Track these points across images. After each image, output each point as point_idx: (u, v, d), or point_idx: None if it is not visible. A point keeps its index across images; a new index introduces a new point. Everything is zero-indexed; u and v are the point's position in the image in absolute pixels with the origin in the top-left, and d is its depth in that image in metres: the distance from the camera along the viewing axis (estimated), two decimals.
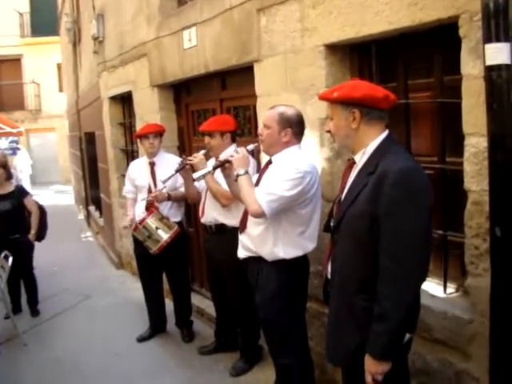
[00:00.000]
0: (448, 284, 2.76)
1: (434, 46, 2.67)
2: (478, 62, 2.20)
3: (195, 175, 3.24)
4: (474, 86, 2.27)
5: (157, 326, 4.88)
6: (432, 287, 2.78)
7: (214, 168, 3.19)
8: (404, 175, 1.93)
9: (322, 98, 2.28)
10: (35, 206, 5.77)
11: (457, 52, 2.36)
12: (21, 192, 5.71)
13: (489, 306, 2.16)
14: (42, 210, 5.87)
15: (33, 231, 5.62)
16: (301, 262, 3.02)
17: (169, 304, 4.91)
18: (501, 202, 2.08)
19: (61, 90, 20.64)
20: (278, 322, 3.03)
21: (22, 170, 15.44)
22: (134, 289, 6.15)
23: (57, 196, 17.52)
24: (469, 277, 2.43)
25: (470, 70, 2.28)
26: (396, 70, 2.93)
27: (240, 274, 3.41)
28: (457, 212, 2.53)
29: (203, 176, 3.23)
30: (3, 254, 5.14)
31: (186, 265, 4.83)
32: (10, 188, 5.60)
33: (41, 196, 12.88)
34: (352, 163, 2.22)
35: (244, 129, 4.44)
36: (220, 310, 4.29)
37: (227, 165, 3.12)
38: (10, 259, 4.99)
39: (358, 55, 3.15)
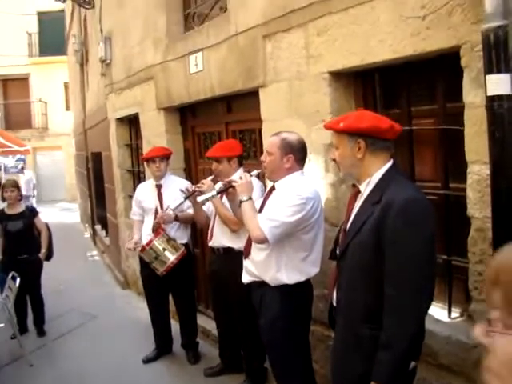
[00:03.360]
0: (452, 308, 2.77)
1: (436, 73, 2.72)
2: (480, 91, 2.25)
3: (199, 198, 3.31)
4: (476, 114, 2.32)
5: (163, 347, 4.89)
6: (436, 311, 2.79)
7: (218, 192, 3.26)
8: (408, 205, 1.96)
9: (328, 127, 2.32)
10: (45, 225, 5.87)
11: (459, 79, 2.41)
12: (31, 212, 5.82)
13: None
14: (48, 229, 5.94)
15: (43, 250, 5.70)
16: (304, 287, 3.05)
17: (175, 325, 4.93)
18: (503, 229, 2.11)
19: (67, 108, 20.87)
20: (281, 345, 3.04)
21: (29, 188, 15.60)
22: (139, 309, 6.16)
23: (63, 213, 17.59)
24: (472, 302, 2.45)
25: (472, 98, 2.33)
26: (400, 96, 2.98)
27: (245, 295, 3.43)
28: (461, 237, 2.55)
29: (207, 199, 3.29)
30: (10, 275, 5.19)
31: (192, 286, 4.85)
32: (20, 208, 5.72)
33: (46, 213, 12.93)
34: (357, 192, 2.25)
35: (249, 152, 4.49)
36: (223, 331, 4.29)
37: (231, 190, 3.17)
38: (18, 280, 5.04)
39: (362, 82, 3.20)
